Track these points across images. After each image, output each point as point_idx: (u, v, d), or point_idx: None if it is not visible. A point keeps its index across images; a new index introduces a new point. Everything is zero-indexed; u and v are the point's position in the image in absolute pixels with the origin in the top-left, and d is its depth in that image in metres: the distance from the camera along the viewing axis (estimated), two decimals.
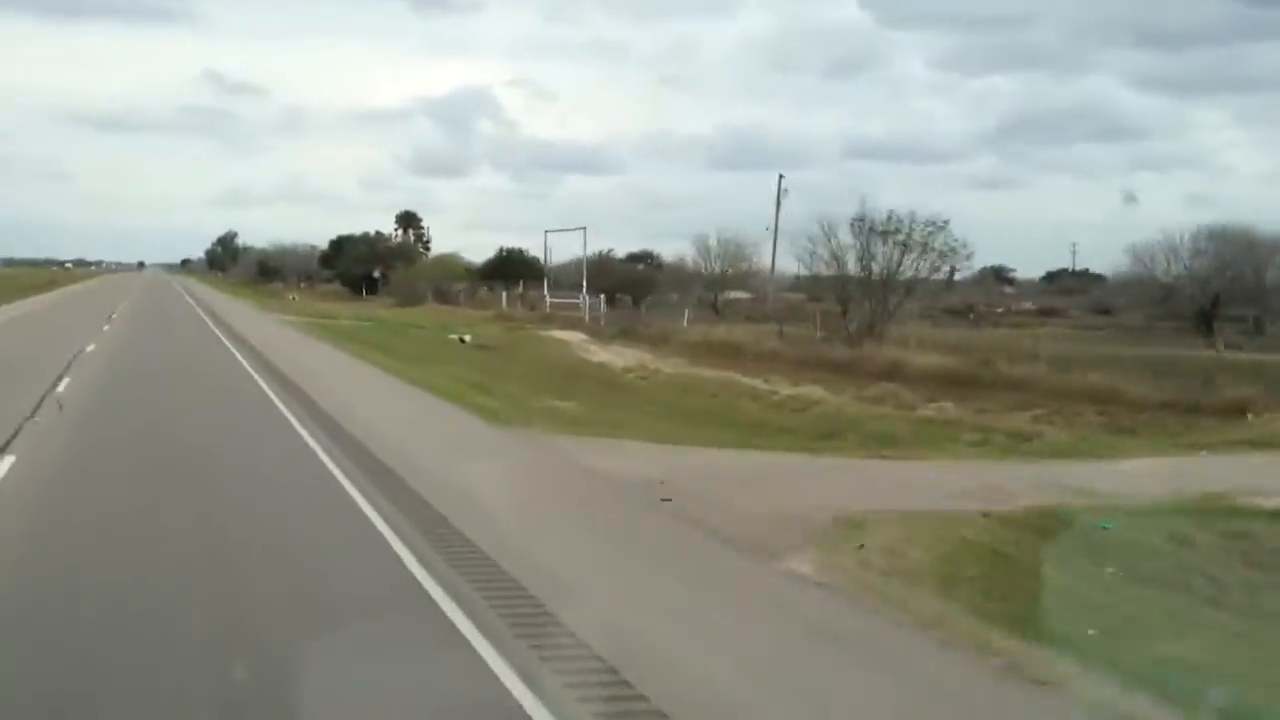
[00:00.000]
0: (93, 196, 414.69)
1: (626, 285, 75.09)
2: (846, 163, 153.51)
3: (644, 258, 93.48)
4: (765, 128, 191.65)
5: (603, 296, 64.63)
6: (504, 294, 74.71)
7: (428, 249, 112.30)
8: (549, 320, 55.14)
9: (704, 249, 70.78)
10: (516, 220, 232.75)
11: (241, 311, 61.80)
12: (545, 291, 71.80)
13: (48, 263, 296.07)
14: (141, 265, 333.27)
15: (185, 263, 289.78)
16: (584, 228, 66.57)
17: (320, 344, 39.11)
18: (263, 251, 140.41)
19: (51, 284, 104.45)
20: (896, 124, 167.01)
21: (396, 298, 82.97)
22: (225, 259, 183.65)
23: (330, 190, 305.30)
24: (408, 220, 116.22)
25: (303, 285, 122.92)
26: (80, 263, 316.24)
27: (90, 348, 31.42)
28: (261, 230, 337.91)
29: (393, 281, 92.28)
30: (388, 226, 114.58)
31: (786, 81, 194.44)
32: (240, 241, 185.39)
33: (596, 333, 49.28)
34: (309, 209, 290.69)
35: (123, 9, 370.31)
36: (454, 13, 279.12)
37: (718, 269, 70.99)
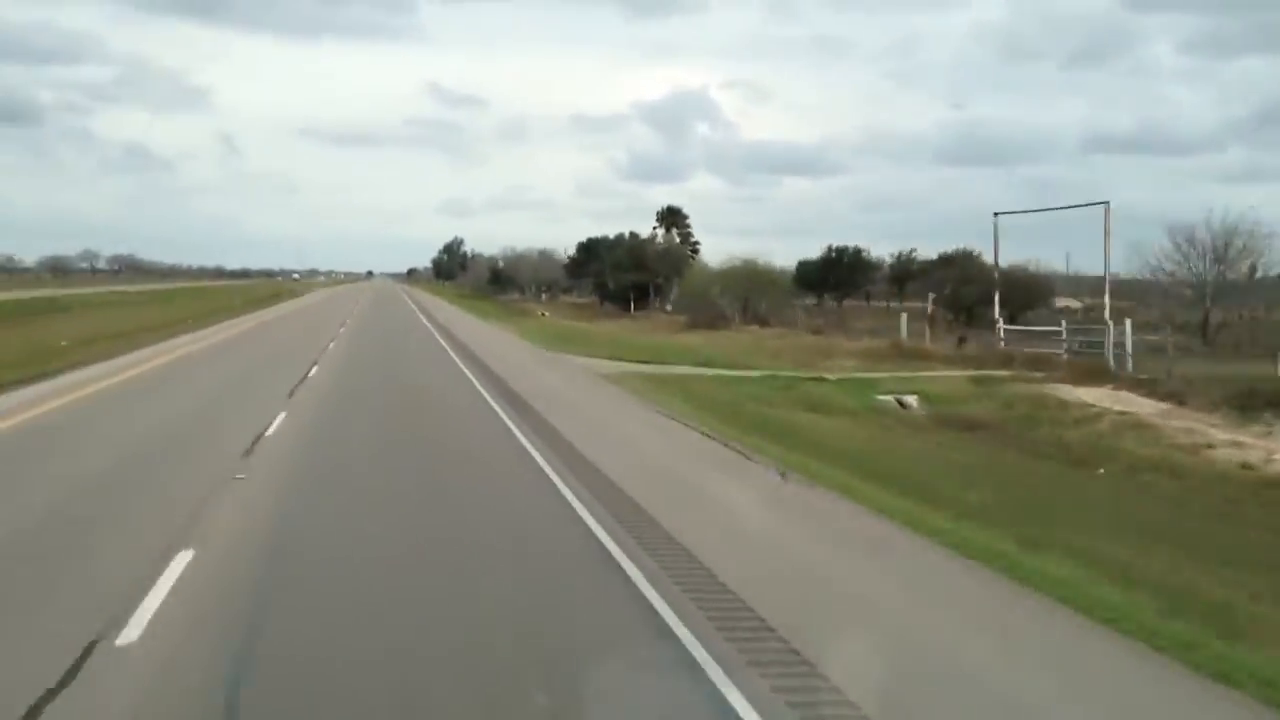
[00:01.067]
0: (321, 208, 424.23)
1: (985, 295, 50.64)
2: (1086, 157, 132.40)
3: (955, 258, 67.72)
4: (996, 122, 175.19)
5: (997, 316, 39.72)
6: (902, 314, 48.21)
7: (695, 252, 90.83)
8: (1042, 366, 31.31)
9: (1188, 242, 45.37)
10: (732, 224, 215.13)
11: (496, 343, 41.42)
12: (997, 315, 39.84)
13: (281, 273, 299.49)
14: (370, 274, 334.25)
15: (411, 272, 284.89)
16: (1106, 201, 35.56)
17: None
18: (491, 259, 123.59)
19: (275, 297, 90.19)
20: (1141, 114, 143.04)
21: (685, 314, 61.49)
22: (452, 266, 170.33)
23: (547, 197, 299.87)
24: (670, 218, 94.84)
25: (544, 295, 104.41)
26: (311, 273, 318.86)
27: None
28: (485, 237, 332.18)
29: (674, 292, 70.98)
30: (604, 231, 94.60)
31: (1019, 73, 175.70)
32: (466, 249, 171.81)
33: (1179, 396, 25.31)
34: (526, 216, 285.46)
35: (354, 27, 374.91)
36: (674, 14, 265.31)
37: (1207, 272, 45.51)
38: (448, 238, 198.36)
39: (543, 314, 72.18)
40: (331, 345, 35.46)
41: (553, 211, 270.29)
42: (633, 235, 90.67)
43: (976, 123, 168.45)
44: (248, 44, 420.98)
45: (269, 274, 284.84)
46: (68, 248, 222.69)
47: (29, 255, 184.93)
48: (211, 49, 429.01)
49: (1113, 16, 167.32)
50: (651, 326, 57.78)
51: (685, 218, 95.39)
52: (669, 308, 69.94)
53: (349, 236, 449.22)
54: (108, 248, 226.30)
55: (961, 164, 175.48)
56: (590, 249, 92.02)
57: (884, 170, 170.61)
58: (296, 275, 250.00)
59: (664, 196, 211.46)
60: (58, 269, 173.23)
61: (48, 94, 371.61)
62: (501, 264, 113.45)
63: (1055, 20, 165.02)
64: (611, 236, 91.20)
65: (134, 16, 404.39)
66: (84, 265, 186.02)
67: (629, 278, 77.72)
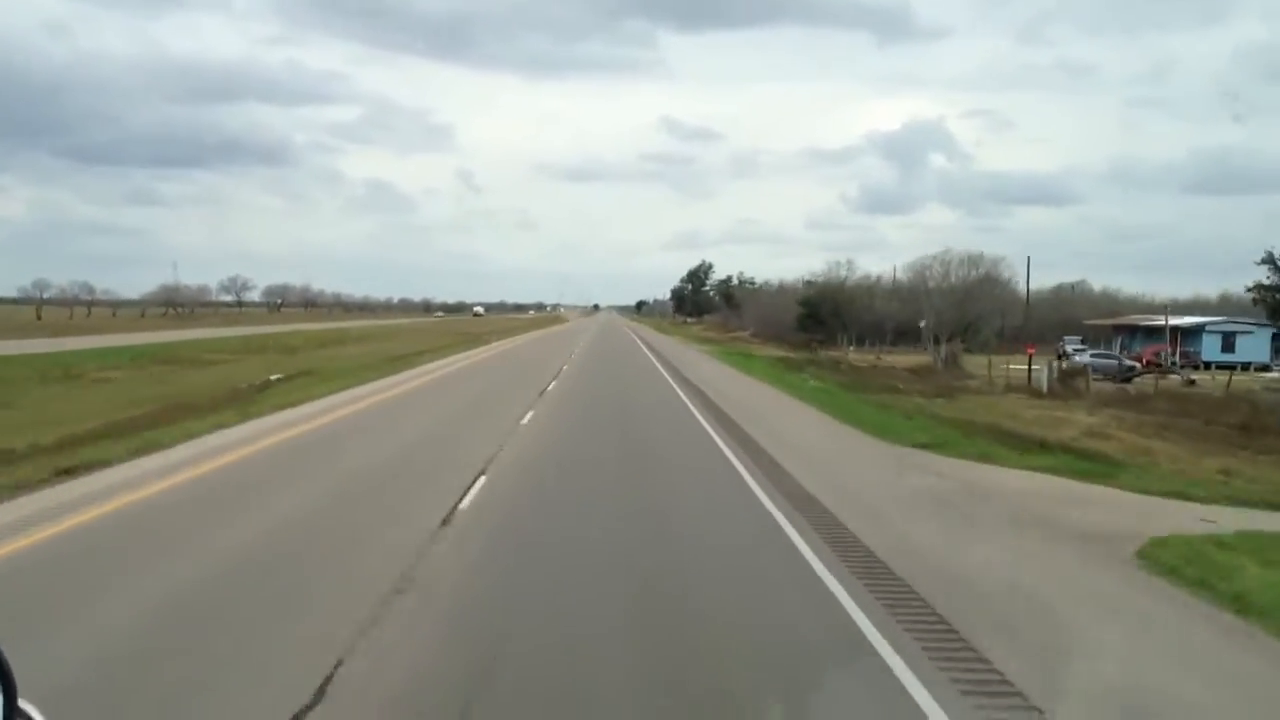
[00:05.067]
0: (555, 243, 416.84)
1: None
2: None
3: None
4: (1248, 149, 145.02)
5: None
6: None
7: None
8: None
9: None
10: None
11: None
12: None
13: (518, 307, 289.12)
14: (596, 308, 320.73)
15: (641, 305, 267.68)
16: None
17: None
18: (780, 289, 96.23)
19: (472, 340, 68.65)
20: None
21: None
22: (699, 299, 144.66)
23: (778, 230, 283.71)
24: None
25: (852, 347, 76.44)
26: (539, 306, 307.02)
27: None
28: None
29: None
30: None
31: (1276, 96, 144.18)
32: (714, 275, 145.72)
33: None
34: (755, 249, 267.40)
35: (595, 63, 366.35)
36: (913, 43, 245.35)
37: None
38: (676, 270, 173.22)
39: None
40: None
41: (781, 245, 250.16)
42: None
43: (1229, 150, 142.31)
44: (492, 81, 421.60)
45: (504, 307, 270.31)
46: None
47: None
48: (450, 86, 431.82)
49: None
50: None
51: None
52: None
53: (581, 271, 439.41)
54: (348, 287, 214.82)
55: (1209, 194, 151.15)
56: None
57: (1128, 200, 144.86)
58: (531, 311, 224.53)
59: (892, 229, 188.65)
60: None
61: (299, 135, 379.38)
62: (818, 298, 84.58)
63: None
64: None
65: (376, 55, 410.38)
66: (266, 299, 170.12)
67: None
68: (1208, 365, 60.78)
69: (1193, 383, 44.40)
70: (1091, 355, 55.85)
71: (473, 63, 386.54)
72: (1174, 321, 64.68)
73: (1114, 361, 54.54)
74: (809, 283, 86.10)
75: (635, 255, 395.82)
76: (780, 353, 64.81)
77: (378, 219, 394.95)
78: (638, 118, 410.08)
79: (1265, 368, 59.73)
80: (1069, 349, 72.11)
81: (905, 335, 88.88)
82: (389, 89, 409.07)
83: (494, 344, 63.58)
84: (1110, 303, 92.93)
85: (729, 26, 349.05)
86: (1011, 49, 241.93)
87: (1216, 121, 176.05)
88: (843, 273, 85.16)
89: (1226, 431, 27.74)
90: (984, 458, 17.23)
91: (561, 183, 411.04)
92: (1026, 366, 43.92)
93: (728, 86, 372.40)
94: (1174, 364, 61.65)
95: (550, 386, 29.54)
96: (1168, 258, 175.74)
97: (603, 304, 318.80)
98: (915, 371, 56.42)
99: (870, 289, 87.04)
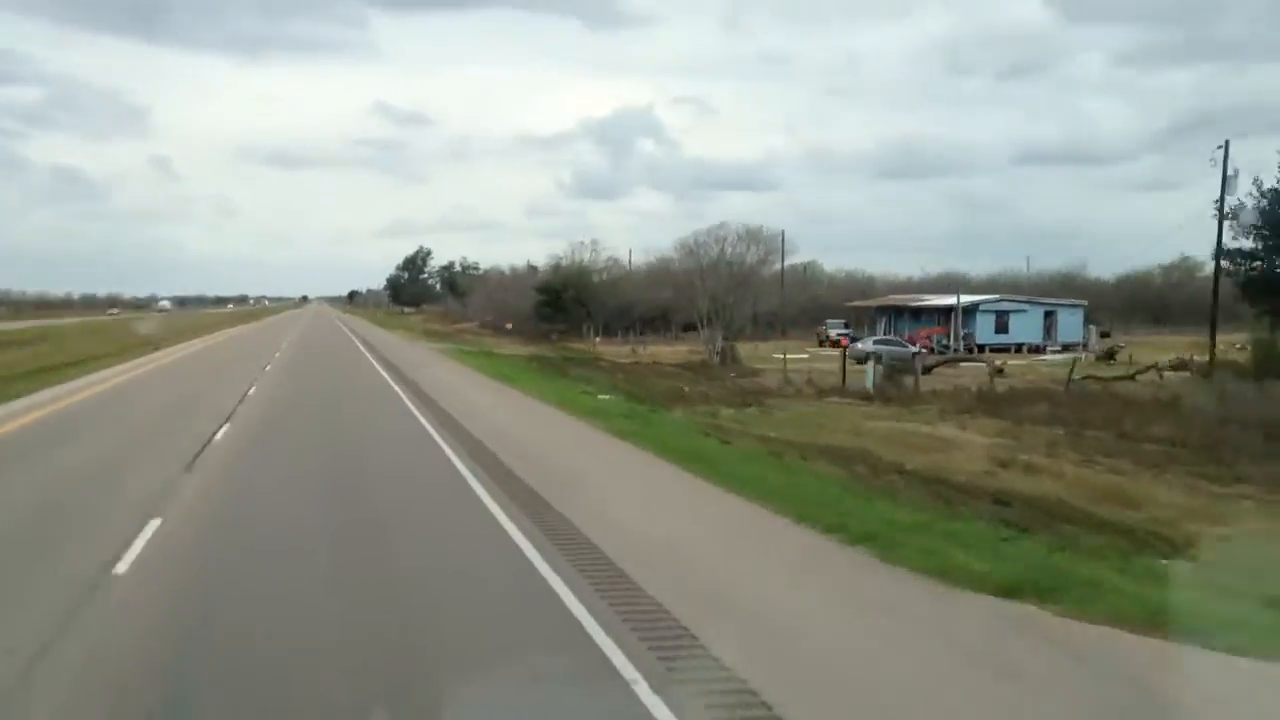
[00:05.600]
0: (261, 232, 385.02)
1: None
2: (1015, 169, 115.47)
3: None
4: (931, 136, 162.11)
5: None
6: None
7: None
8: None
9: None
10: (673, 241, 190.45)
11: None
12: None
13: (219, 300, 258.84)
14: (305, 299, 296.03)
15: (353, 295, 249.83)
16: None
17: None
18: (512, 274, 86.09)
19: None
20: (1070, 126, 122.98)
21: None
22: (417, 289, 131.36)
23: (493, 216, 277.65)
24: None
25: (598, 338, 68.10)
26: (241, 299, 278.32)
27: None
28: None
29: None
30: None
31: (956, 87, 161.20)
32: (434, 262, 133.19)
33: None
34: (470, 237, 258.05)
35: (304, 44, 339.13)
36: (623, 28, 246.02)
37: None
38: (387, 259, 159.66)
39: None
40: None
41: (497, 232, 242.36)
42: None
43: (914, 138, 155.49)
44: (192, 62, 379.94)
45: (202, 301, 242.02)
46: None
47: None
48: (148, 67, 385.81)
49: (1051, 31, 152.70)
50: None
51: None
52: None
53: (287, 260, 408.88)
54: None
55: (897, 178, 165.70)
56: None
57: (822, 184, 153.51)
58: (166, 305, 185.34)
59: (605, 214, 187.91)
60: None
61: None
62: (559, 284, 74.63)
63: (993, 34, 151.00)
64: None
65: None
66: None
67: None
68: (981, 348, 57.05)
69: (1000, 371, 38.87)
70: (876, 343, 50.09)
71: (171, 42, 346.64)
72: (948, 301, 60.75)
73: (906, 350, 49.08)
74: (556, 266, 76.68)
75: (346, 243, 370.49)
76: (526, 350, 55.09)
77: (62, 208, 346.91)
78: (349, 101, 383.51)
79: (1039, 349, 56.74)
80: (832, 333, 67.11)
81: (654, 323, 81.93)
82: (79, 69, 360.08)
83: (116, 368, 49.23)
84: (855, 284, 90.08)
85: (440, 7, 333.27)
86: (716, 38, 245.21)
87: (903, 110, 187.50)
88: (586, 255, 76.56)
89: (1176, 451, 20.88)
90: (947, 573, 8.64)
91: (268, 169, 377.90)
92: (841, 362, 36.58)
93: (440, 70, 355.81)
94: (948, 347, 57.58)
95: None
96: (863, 241, 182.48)
97: (312, 295, 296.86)
98: (690, 368, 48.38)
99: (619, 273, 79.08)
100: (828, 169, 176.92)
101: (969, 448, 22.20)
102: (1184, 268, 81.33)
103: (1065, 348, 56.47)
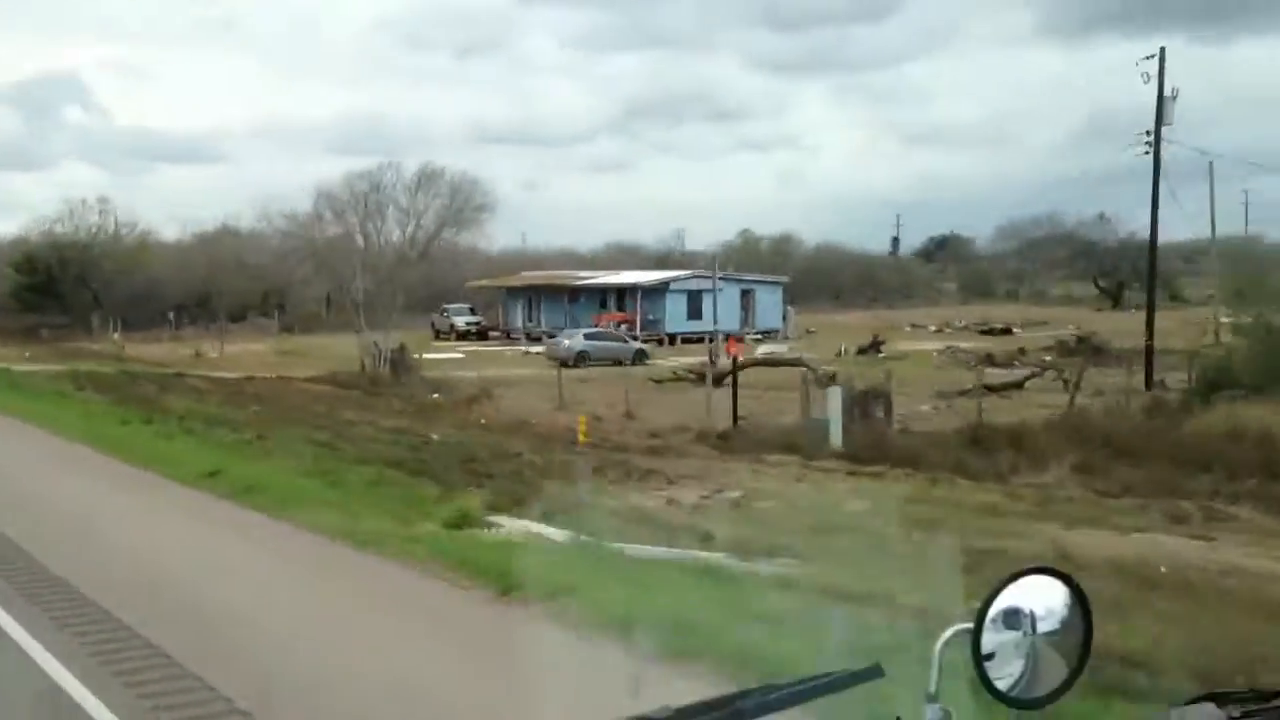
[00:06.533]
0: None
1: None
2: (478, 148, 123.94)
3: None
4: (392, 113, 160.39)
5: None
6: None
7: None
8: None
9: None
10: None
11: None
12: None
13: None
14: None
15: None
16: None
17: None
18: None
19: None
20: (528, 107, 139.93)
21: None
22: None
23: None
24: None
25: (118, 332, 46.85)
26: None
27: None
28: None
29: None
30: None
31: (418, 64, 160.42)
32: None
33: None
34: None
35: None
36: None
37: None
38: None
39: None
40: None
41: None
42: None
43: (374, 113, 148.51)
44: None
45: None
46: None
47: None
48: None
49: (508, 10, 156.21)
50: None
51: None
52: None
53: None
54: None
55: (354, 155, 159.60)
56: None
57: (273, 158, 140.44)
58: None
59: (26, 186, 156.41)
60: None
61: None
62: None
63: (451, 10, 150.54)
64: None
65: None
66: None
67: None
68: (672, 339, 45.88)
69: (833, 378, 27.52)
70: (587, 338, 36.74)
71: None
72: (620, 279, 48.60)
73: (628, 347, 36.28)
74: (47, 234, 52.76)
75: None
76: (34, 363, 33.83)
77: None
78: None
79: (739, 338, 46.72)
80: (459, 322, 52.50)
81: (190, 311, 61.11)
82: None
83: None
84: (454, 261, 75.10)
85: None
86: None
87: (357, 85, 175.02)
88: (93, 224, 53.90)
89: None
90: None
91: None
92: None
93: None
94: (635, 338, 45.79)
95: None
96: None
97: None
98: (344, 387, 31.09)
99: (135, 246, 56.94)
100: (280, 143, 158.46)
101: None
102: (794, 240, 78.00)
103: (764, 334, 47.14)
